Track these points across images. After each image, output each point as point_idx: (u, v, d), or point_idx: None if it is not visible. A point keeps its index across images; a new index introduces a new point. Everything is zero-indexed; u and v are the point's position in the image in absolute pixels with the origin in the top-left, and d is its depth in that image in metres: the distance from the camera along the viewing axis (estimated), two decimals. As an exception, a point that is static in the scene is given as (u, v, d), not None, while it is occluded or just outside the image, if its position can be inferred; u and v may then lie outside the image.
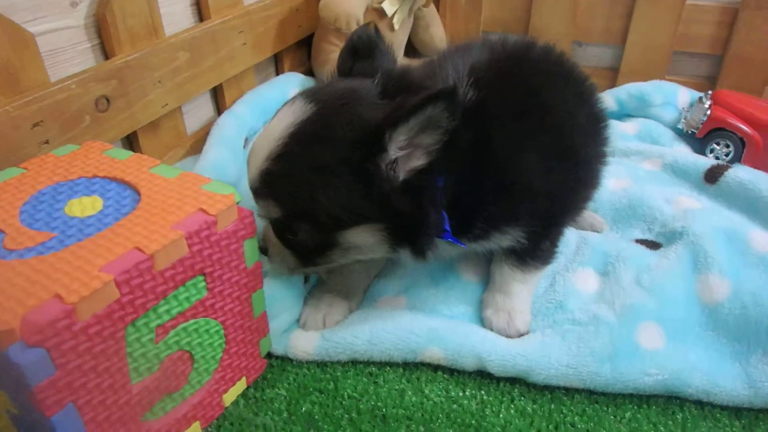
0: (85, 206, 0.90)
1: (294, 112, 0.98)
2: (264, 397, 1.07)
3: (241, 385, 1.06)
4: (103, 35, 1.29)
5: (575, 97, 1.20)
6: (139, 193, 0.93)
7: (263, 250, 1.11)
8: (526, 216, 1.10)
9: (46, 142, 1.15)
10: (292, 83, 1.84)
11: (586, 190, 1.28)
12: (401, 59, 2.04)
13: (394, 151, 0.93)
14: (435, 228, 1.01)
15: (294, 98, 1.03)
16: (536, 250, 1.20)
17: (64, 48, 1.23)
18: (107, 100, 1.26)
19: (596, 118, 1.26)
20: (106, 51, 1.31)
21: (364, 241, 1.02)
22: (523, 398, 1.07)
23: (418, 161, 0.95)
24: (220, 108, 1.69)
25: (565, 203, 1.19)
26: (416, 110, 0.87)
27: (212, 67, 1.56)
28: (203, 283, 0.90)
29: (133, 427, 0.85)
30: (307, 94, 1.01)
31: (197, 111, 1.64)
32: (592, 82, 1.28)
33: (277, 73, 1.96)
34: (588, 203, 1.37)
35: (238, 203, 0.93)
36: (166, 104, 1.42)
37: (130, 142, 1.41)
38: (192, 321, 0.90)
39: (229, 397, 1.04)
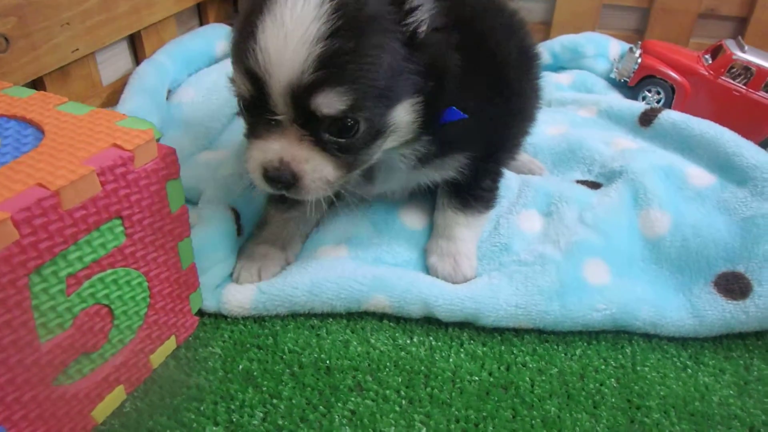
0: (-26, 146, 0.77)
1: None
2: (197, 357, 0.96)
3: (170, 345, 0.95)
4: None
5: (505, 29, 1.17)
6: (42, 131, 0.80)
7: (278, 197, 0.98)
8: (470, 141, 1.06)
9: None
10: (218, 34, 1.70)
11: (522, 123, 1.25)
12: None
13: (422, 11, 0.88)
14: (450, 98, 0.97)
15: None
16: (478, 189, 1.15)
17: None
18: (6, 39, 1.11)
19: (526, 52, 1.23)
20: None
21: (405, 119, 0.93)
22: (472, 342, 1.01)
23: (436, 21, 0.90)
24: (138, 58, 1.54)
25: (503, 132, 1.16)
26: None
27: (128, 12, 1.41)
28: (121, 228, 0.79)
29: (43, 391, 0.74)
30: None
31: (113, 60, 1.48)
32: (521, 17, 1.26)
33: (201, 25, 1.81)
34: (524, 138, 1.33)
35: (158, 140, 0.82)
36: (77, 49, 1.28)
37: (36, 90, 1.24)
38: (110, 271, 0.79)
39: (157, 357, 0.93)
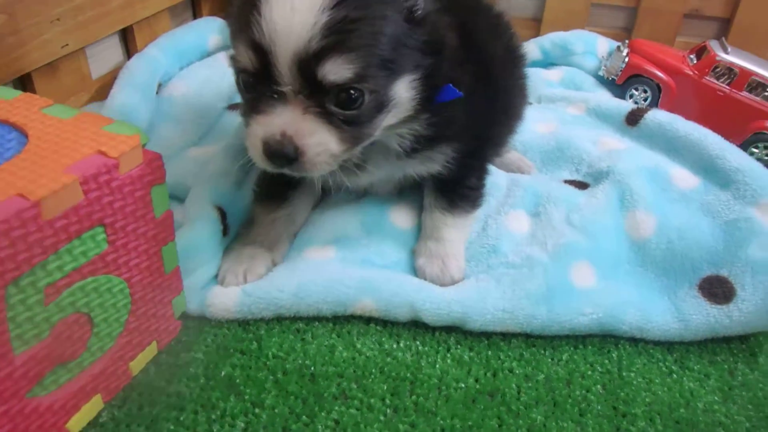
0: (-46, 150, 0.72)
1: None
2: (178, 363, 0.91)
3: (151, 351, 0.90)
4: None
5: (492, 29, 1.18)
6: (26, 135, 0.75)
7: (276, 171, 0.90)
8: (457, 132, 1.04)
9: None
10: (211, 28, 1.63)
11: (508, 121, 1.25)
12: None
13: None
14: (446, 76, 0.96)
15: None
16: (464, 188, 1.12)
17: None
18: (-7, 37, 1.05)
19: (512, 52, 1.25)
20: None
21: (405, 94, 0.91)
22: (459, 346, 0.97)
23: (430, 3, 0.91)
24: (130, 52, 1.47)
25: (488, 127, 1.15)
26: None
27: (121, 6, 1.34)
28: (103, 236, 0.74)
29: (16, 405, 0.69)
30: None
31: (104, 54, 1.41)
32: (507, 20, 1.28)
33: (195, 18, 1.74)
34: (511, 136, 1.33)
35: (144, 145, 0.77)
36: (66, 45, 1.21)
37: (24, 85, 1.19)
38: (90, 279, 0.74)
39: (137, 364, 0.87)
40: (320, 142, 0.85)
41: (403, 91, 0.90)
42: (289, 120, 0.83)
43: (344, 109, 0.84)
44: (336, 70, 0.80)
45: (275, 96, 0.83)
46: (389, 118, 0.92)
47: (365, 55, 0.82)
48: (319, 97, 0.83)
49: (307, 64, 0.79)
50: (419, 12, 0.89)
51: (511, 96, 1.21)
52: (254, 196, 1.13)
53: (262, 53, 0.80)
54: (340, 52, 0.80)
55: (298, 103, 0.83)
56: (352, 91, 0.83)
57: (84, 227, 0.70)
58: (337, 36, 0.79)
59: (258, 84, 0.84)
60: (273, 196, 1.10)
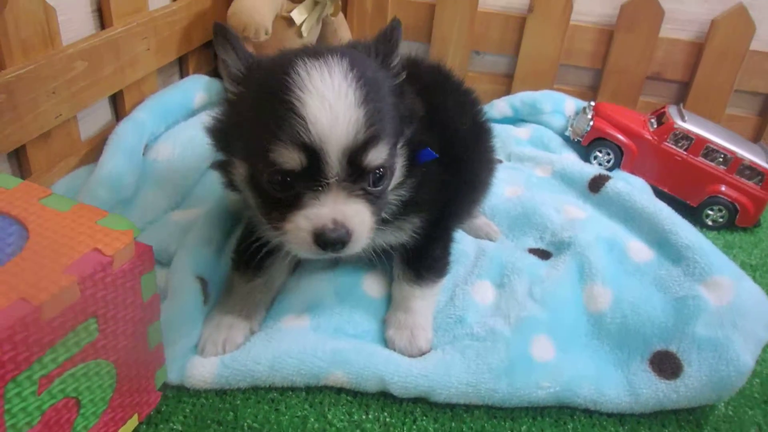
0: (-40, 245, 0.77)
1: (335, 67, 0.90)
2: (157, 433, 0.96)
3: (132, 423, 0.94)
4: (-6, 47, 1.13)
5: (457, 106, 1.24)
6: (27, 229, 0.80)
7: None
8: (423, 206, 1.11)
9: None
10: (196, 86, 1.70)
11: (474, 193, 1.31)
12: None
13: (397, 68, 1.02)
14: (419, 138, 1.05)
15: (314, 62, 0.90)
16: (429, 259, 1.18)
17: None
18: (-7, 116, 1.10)
19: (479, 127, 1.32)
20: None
21: (399, 161, 1.02)
22: (425, 417, 1.03)
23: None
24: (118, 112, 1.53)
25: (454, 201, 1.20)
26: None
27: (112, 74, 1.40)
28: (95, 326, 0.79)
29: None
30: (318, 54, 0.92)
31: (94, 116, 1.47)
32: (476, 96, 1.35)
33: (182, 75, 1.81)
34: (477, 206, 1.40)
35: (136, 238, 0.82)
36: (60, 114, 1.26)
37: (17, 153, 1.24)
38: (81, 365, 0.79)
39: (120, 437, 0.92)
40: (364, 221, 0.93)
41: (398, 158, 1.01)
42: (337, 207, 0.90)
43: (375, 186, 0.94)
44: (377, 156, 0.91)
45: (318, 188, 0.89)
46: (390, 186, 1.02)
47: (389, 135, 0.93)
48: (360, 180, 0.91)
49: (355, 155, 0.88)
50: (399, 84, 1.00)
51: (475, 169, 1.26)
52: (232, 264, 1.18)
53: (311, 152, 0.86)
54: (378, 139, 0.90)
55: (341, 189, 0.90)
56: (381, 169, 0.94)
57: (78, 321, 0.76)
58: (374, 126, 0.89)
59: (299, 181, 0.90)
60: (251, 264, 1.14)
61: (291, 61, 0.90)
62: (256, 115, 0.91)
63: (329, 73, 0.88)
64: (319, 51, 0.94)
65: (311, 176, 0.89)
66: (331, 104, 0.86)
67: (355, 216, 0.91)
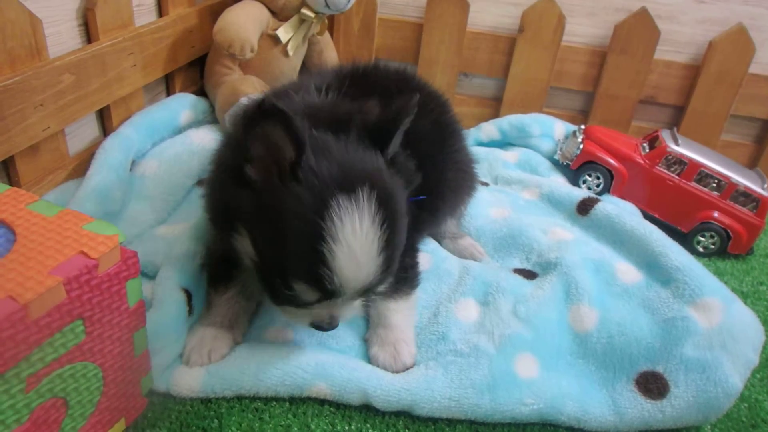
0: (-49, 247, 0.83)
1: (365, 210, 0.93)
2: (144, 439, 1.01)
3: (119, 427, 0.99)
4: (-21, 59, 1.19)
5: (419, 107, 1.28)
6: (14, 233, 0.86)
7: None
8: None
9: None
10: (182, 104, 1.77)
11: (441, 194, 1.35)
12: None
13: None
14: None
15: (347, 203, 0.92)
16: (400, 270, 1.19)
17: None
18: (-21, 128, 1.17)
19: (442, 126, 1.35)
20: (-20, 75, 1.21)
21: None
22: (407, 430, 1.08)
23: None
24: (106, 128, 1.59)
25: (419, 202, 1.22)
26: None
27: (99, 88, 1.47)
28: (81, 328, 0.85)
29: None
30: (350, 188, 0.93)
31: (81, 131, 1.53)
32: (441, 97, 1.41)
33: (168, 92, 1.88)
34: (448, 214, 1.46)
35: (121, 243, 0.88)
36: (48, 128, 1.33)
37: (6, 166, 1.30)
38: (68, 366, 0.84)
39: (107, 441, 0.98)
40: (356, 309, 1.09)
41: None
42: (339, 310, 1.05)
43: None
44: (386, 283, 1.06)
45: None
46: None
47: (401, 249, 1.04)
48: (364, 294, 1.04)
49: (367, 290, 1.01)
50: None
51: (440, 170, 1.31)
52: (207, 278, 1.24)
53: (328, 292, 0.96)
54: (391, 272, 1.02)
55: (347, 300, 1.02)
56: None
57: (65, 322, 0.81)
58: (390, 267, 1.00)
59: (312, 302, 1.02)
60: (221, 275, 1.20)
61: (326, 196, 0.92)
62: (285, 235, 0.95)
63: (359, 220, 0.92)
64: (349, 178, 0.94)
65: (322, 299, 1.00)
66: (357, 258, 0.94)
67: (351, 312, 1.08)
